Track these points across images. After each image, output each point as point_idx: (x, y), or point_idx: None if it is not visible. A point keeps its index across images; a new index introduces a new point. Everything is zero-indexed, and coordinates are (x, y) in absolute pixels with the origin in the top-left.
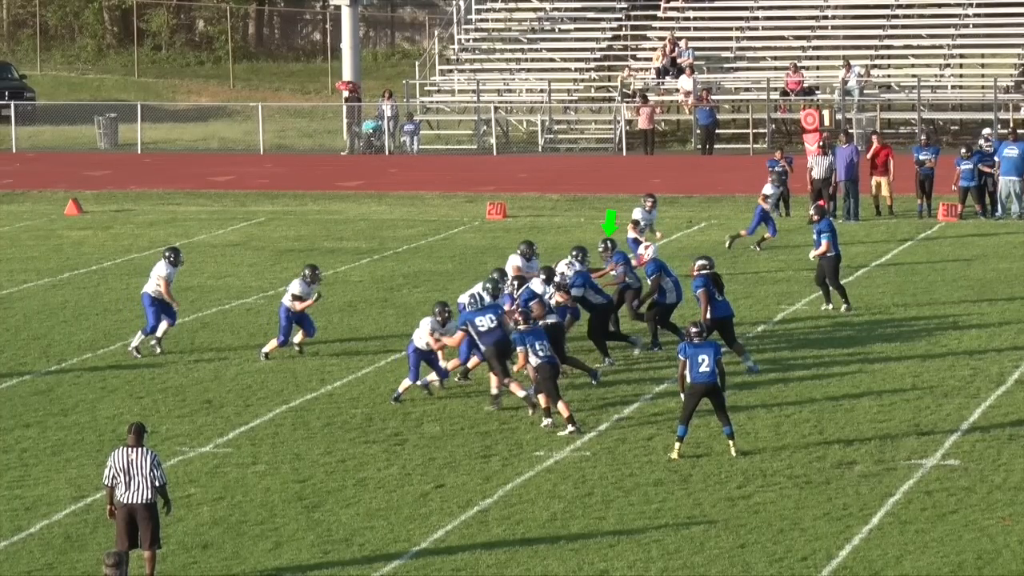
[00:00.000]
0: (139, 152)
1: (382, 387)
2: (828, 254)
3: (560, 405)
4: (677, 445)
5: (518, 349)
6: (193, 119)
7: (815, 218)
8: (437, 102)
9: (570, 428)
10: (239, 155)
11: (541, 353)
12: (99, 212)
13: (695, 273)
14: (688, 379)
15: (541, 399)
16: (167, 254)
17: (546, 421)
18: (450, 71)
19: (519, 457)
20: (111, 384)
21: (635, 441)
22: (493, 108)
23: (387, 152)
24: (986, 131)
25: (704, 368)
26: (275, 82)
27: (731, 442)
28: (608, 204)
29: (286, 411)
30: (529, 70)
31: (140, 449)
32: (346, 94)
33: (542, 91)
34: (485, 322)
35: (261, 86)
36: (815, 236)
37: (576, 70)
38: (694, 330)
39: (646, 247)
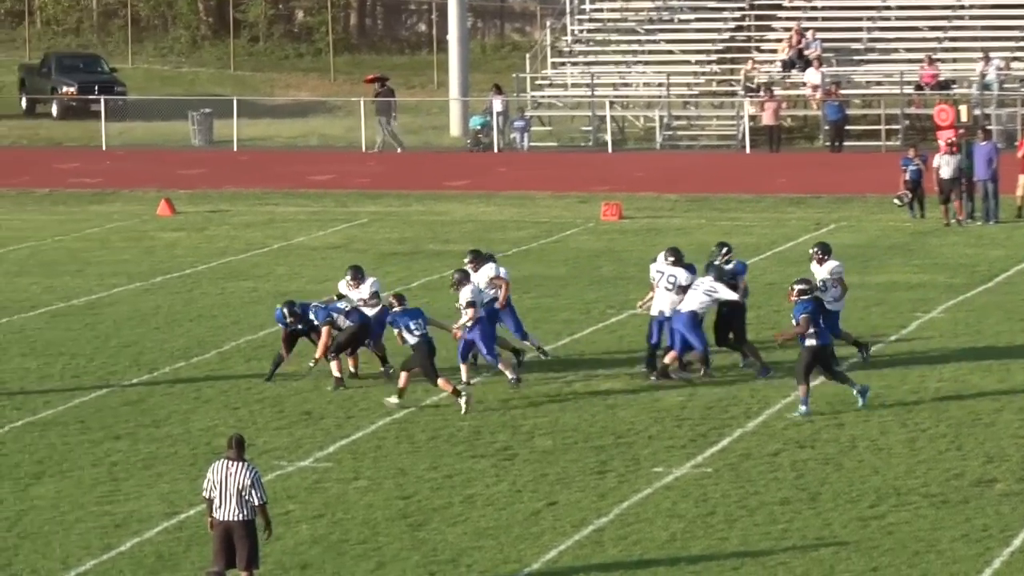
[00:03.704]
0: (235, 149)
1: (490, 397)
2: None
3: (441, 382)
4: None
5: (394, 330)
6: (291, 115)
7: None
8: (549, 97)
9: (462, 401)
10: (340, 152)
11: (416, 332)
12: (193, 213)
13: (795, 299)
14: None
15: (402, 377)
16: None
17: (393, 400)
18: (563, 64)
19: (636, 473)
20: (205, 394)
21: (760, 457)
22: (608, 103)
23: (496, 149)
24: None
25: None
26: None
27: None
28: (731, 205)
29: (389, 423)
30: (647, 63)
31: (241, 463)
32: (377, 87)
33: (660, 85)
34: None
35: (363, 80)
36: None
37: (696, 62)
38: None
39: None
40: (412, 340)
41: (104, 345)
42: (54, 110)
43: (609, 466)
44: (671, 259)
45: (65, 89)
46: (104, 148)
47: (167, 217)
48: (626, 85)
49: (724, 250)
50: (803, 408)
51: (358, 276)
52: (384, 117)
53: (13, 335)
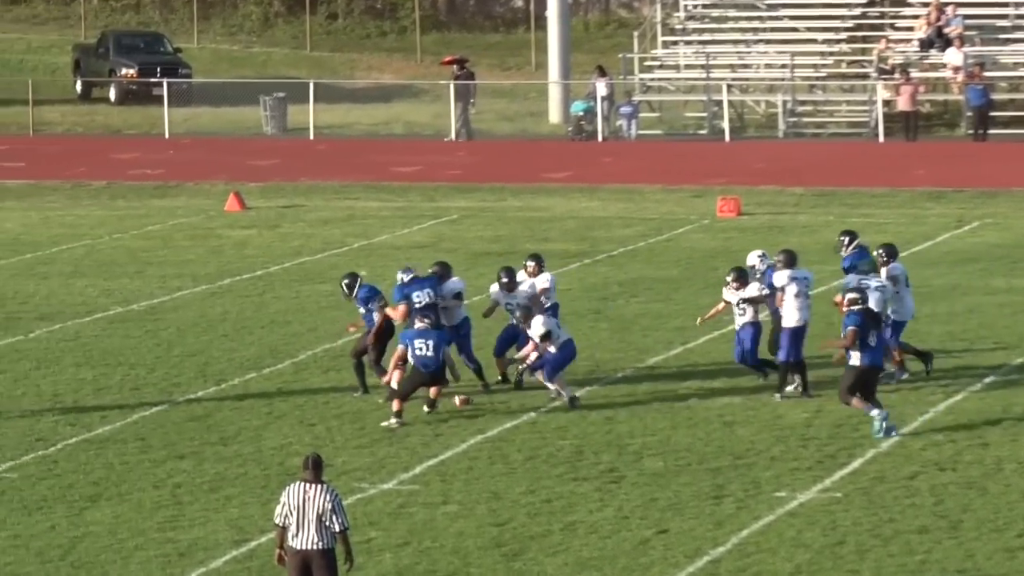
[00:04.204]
0: (311, 138)
1: (593, 414)
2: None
3: (434, 391)
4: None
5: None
6: (374, 99)
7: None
8: (659, 79)
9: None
10: (427, 141)
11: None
12: (265, 208)
13: (845, 309)
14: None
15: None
16: None
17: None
18: (675, 43)
19: (756, 498)
20: (278, 409)
21: (895, 480)
22: (725, 87)
23: (600, 138)
24: None
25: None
26: (470, 56)
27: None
28: (862, 199)
29: (482, 441)
30: (768, 42)
31: (320, 486)
32: (455, 70)
33: (783, 67)
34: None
35: (441, 62)
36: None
37: (824, 42)
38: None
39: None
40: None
41: (167, 354)
42: (112, 94)
43: (726, 490)
44: (780, 260)
45: (124, 71)
46: (167, 136)
47: (236, 213)
48: (745, 67)
49: (847, 239)
50: (879, 425)
51: (512, 276)
52: (462, 103)
53: (67, 343)
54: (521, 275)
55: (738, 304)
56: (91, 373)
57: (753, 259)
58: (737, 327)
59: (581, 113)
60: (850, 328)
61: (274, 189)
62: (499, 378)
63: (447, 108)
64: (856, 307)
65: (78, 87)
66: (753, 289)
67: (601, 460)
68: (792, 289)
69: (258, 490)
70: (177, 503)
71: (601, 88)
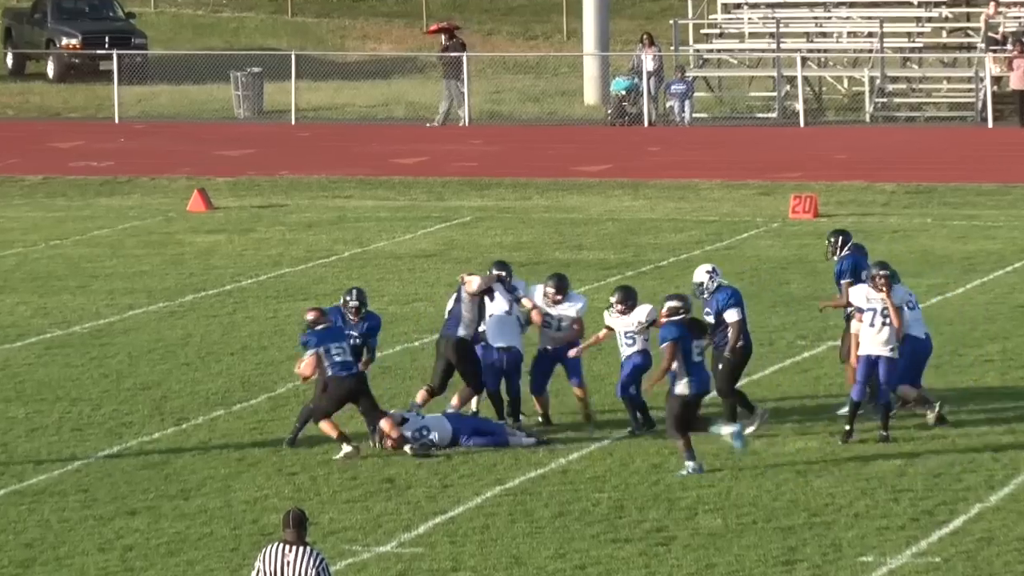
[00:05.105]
0: (293, 123)
1: (637, 460)
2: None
3: (325, 425)
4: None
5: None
6: (370, 75)
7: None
8: (719, 51)
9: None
10: (434, 127)
11: (337, 359)
12: (236, 208)
13: (663, 319)
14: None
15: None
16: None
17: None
18: (737, 6)
19: (836, 564)
20: (251, 455)
21: (1005, 542)
22: (799, 59)
23: (646, 123)
24: None
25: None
26: (486, 23)
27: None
28: (967, 197)
29: (501, 494)
30: (852, 4)
31: (302, 548)
32: (443, 40)
33: (871, 35)
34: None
35: (466, 28)
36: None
37: (920, 5)
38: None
39: None
40: (331, 372)
41: (115, 387)
42: (50, 70)
43: (799, 554)
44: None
45: (65, 41)
46: (117, 120)
47: (201, 214)
48: (824, 35)
49: (838, 240)
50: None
51: (562, 286)
52: (453, 80)
53: None
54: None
55: (626, 334)
56: (23, 410)
57: (701, 275)
58: (622, 358)
59: (623, 92)
60: (665, 343)
61: (247, 185)
62: (539, 418)
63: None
64: (676, 317)
65: (8, 60)
66: (641, 314)
67: (646, 517)
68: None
69: (227, 553)
70: (128, 570)
71: (648, 62)
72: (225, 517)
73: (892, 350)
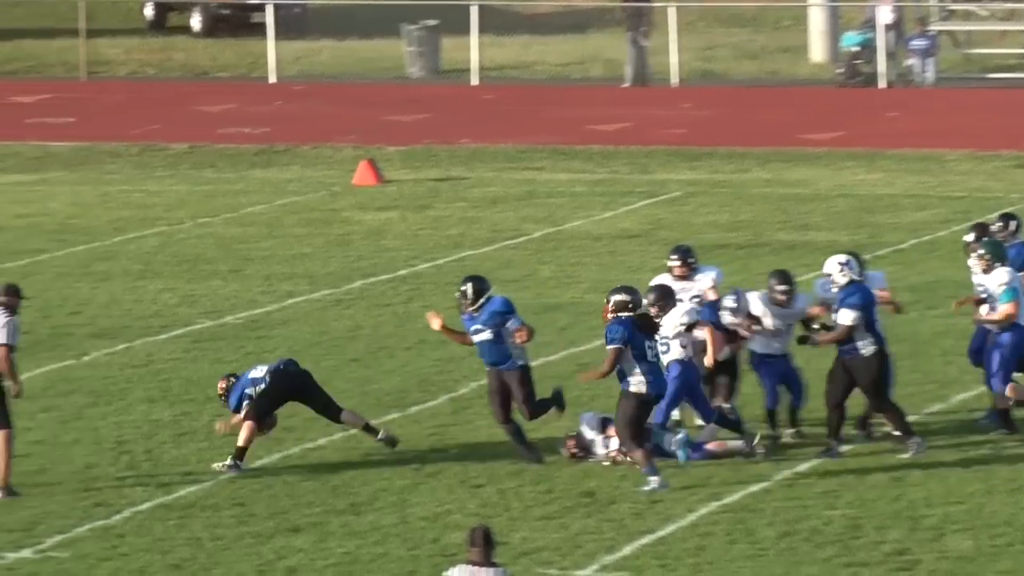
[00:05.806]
0: (474, 83)
1: (874, 475)
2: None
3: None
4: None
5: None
6: (561, 29)
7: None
8: (966, 3)
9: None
10: (635, 89)
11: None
12: (409, 181)
13: (610, 315)
14: None
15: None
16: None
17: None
18: None
19: None
20: (431, 464)
21: None
22: None
23: (883, 84)
24: None
25: None
26: None
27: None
28: None
29: (717, 511)
30: None
31: (491, 570)
32: None
33: None
34: None
35: None
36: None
37: None
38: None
39: None
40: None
41: None
42: (195, 22)
43: None
44: None
45: None
46: (272, 81)
47: (370, 188)
48: None
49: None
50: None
51: (688, 259)
52: (633, 34)
53: (135, 370)
54: (666, 277)
55: (660, 339)
56: (169, 412)
57: (831, 265)
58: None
59: (856, 49)
60: (612, 345)
61: (422, 155)
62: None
63: (664, 43)
64: (624, 314)
65: (148, 12)
66: (678, 315)
67: (886, 538)
68: None
69: None
70: None
71: (884, 14)
72: (401, 535)
73: None
